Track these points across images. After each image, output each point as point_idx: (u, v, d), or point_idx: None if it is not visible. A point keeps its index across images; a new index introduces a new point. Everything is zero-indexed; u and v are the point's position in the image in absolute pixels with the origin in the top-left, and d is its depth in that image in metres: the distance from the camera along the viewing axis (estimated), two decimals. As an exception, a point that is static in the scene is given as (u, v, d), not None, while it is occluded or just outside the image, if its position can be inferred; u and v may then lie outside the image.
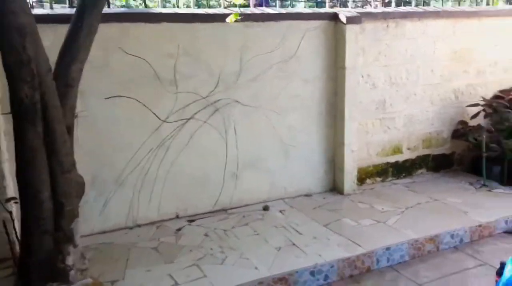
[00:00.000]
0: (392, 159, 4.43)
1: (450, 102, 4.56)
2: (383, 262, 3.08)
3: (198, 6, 3.93)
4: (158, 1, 3.72)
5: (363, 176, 4.31)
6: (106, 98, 3.23)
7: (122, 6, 3.38)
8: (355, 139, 4.03)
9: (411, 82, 4.32)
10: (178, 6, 3.63)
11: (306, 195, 4.07)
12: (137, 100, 3.33)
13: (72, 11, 2.78)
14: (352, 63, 3.85)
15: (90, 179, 3.30)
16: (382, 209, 3.74)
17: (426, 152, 4.58)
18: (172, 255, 3.04)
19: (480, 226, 3.44)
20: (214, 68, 3.53)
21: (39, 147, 2.41)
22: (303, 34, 3.76)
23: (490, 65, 4.66)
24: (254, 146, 3.79)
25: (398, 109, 4.33)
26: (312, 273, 2.86)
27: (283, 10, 3.75)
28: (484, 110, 4.37)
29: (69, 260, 2.63)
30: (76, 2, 3.11)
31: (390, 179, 4.44)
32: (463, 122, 4.54)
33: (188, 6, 3.63)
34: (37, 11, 3.08)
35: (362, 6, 4.57)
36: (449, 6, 4.52)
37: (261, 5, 4.24)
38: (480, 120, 4.46)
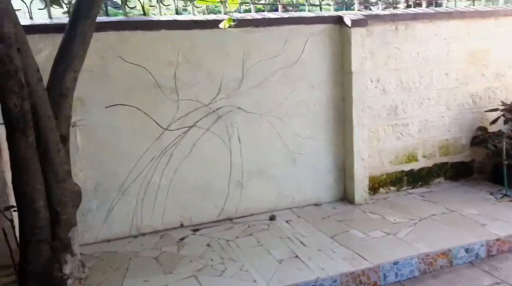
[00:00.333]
0: (407, 167, 4.24)
1: (467, 107, 4.34)
2: (391, 278, 2.91)
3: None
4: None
5: (376, 185, 4.14)
6: (106, 107, 3.23)
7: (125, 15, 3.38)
8: (365, 146, 3.88)
9: (424, 87, 4.15)
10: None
11: (315, 205, 3.94)
12: (137, 108, 3.31)
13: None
14: (359, 68, 3.72)
15: (93, 187, 3.30)
16: (394, 220, 3.56)
17: (444, 159, 4.36)
18: (172, 265, 2.98)
19: (498, 240, 3.20)
20: (215, 75, 3.48)
21: (32, 156, 2.41)
22: (307, 39, 3.68)
23: (510, 67, 4.42)
24: (259, 154, 3.70)
25: (412, 115, 4.16)
26: (313, 288, 2.72)
27: (285, 15, 3.67)
28: (503, 115, 4.13)
29: (66, 269, 2.61)
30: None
31: (405, 188, 4.25)
32: (482, 128, 4.30)
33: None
34: (36, 21, 3.12)
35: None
36: (462, 7, 4.32)
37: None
38: (501, 126, 4.21)
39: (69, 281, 2.60)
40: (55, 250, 2.56)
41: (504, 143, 3.92)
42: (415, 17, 3.98)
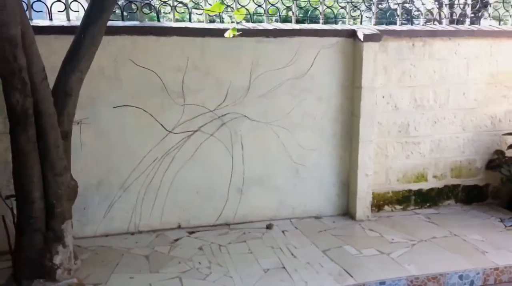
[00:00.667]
0: (415, 187, 4.13)
1: (485, 129, 4.17)
2: (376, 298, 2.86)
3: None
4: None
5: (381, 202, 4.07)
6: (114, 107, 3.37)
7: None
8: (371, 162, 3.82)
9: (440, 105, 4.02)
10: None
11: (316, 217, 3.92)
12: (144, 110, 3.43)
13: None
14: (369, 83, 3.67)
15: (96, 183, 3.45)
16: (392, 239, 3.49)
17: (456, 181, 4.22)
18: (160, 265, 3.07)
19: (496, 269, 3.07)
20: (222, 82, 3.54)
21: (31, 150, 2.56)
22: (318, 51, 3.66)
23: (535, 91, 4.22)
24: (261, 162, 3.73)
25: (424, 133, 4.04)
26: (293, 301, 2.73)
27: (297, 26, 3.67)
28: (523, 139, 3.95)
29: (57, 259, 2.76)
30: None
31: (412, 207, 4.15)
32: (499, 152, 4.13)
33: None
34: (55, 22, 3.30)
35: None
36: (487, 25, 4.15)
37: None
38: (519, 151, 4.03)
39: (59, 271, 2.75)
40: (47, 240, 2.71)
41: (519, 170, 3.75)
42: (434, 34, 3.87)
